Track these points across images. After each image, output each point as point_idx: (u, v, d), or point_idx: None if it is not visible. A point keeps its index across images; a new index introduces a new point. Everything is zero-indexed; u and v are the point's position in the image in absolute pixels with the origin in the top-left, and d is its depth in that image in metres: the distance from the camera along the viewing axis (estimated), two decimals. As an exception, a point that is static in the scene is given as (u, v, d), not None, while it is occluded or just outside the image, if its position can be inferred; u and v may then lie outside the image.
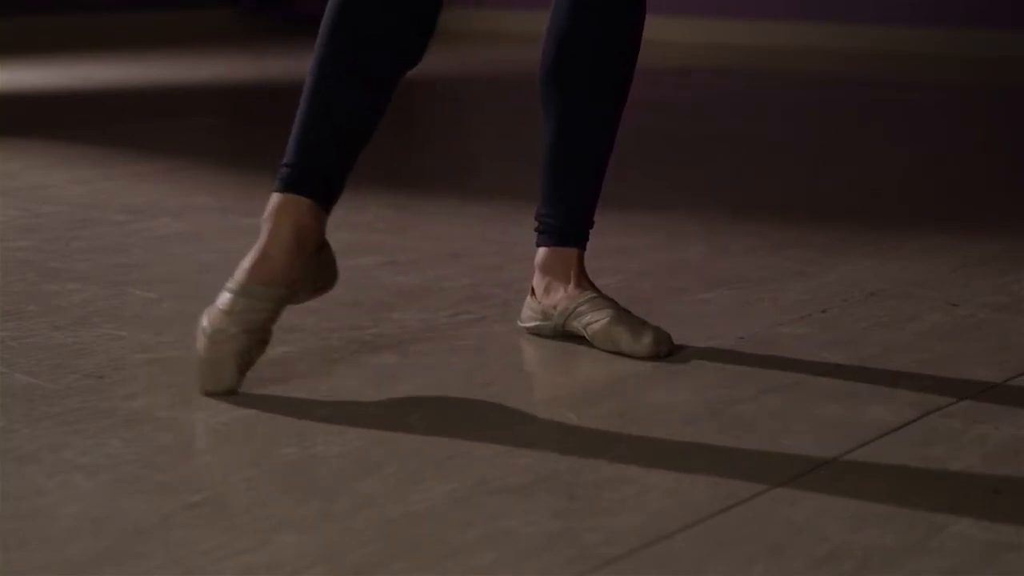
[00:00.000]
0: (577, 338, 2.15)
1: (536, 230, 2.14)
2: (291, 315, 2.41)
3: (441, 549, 1.47)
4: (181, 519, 1.56)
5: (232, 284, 1.69)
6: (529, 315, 2.18)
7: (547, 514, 1.57)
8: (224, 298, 1.70)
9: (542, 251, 2.13)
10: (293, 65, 6.52)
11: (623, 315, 2.07)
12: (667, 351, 2.08)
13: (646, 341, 2.05)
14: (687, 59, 6.76)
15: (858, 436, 1.81)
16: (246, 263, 1.68)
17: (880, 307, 2.44)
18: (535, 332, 2.19)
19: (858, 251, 2.87)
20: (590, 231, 2.15)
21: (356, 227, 3.13)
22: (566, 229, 2.10)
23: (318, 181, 1.67)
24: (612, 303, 2.10)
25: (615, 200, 3.33)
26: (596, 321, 2.07)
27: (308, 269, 1.70)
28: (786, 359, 2.14)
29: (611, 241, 2.92)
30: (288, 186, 1.67)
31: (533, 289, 2.15)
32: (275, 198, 1.68)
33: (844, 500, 1.59)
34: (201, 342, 1.72)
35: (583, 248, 2.14)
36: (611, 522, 1.54)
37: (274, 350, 2.21)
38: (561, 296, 2.10)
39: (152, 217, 3.23)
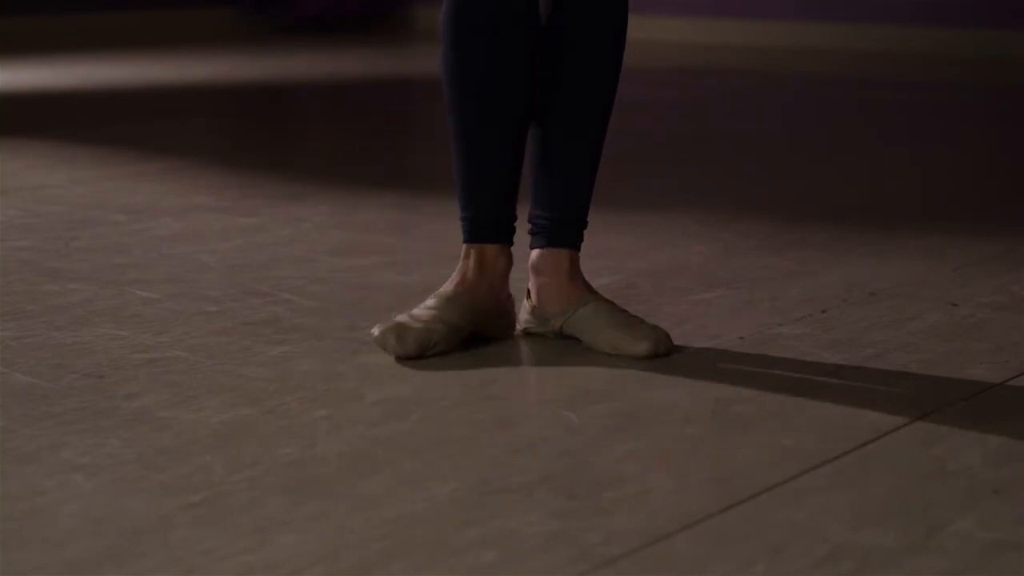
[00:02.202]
0: (576, 338, 2.15)
1: (529, 231, 2.12)
2: (291, 315, 2.41)
3: (441, 549, 1.47)
4: (181, 519, 1.56)
5: (431, 296, 1.90)
6: (526, 319, 2.17)
7: (547, 514, 1.57)
8: (422, 304, 1.89)
9: (536, 253, 2.11)
10: (293, 65, 6.52)
11: (620, 317, 2.06)
12: (666, 351, 2.08)
13: (645, 343, 2.04)
14: (687, 59, 6.76)
15: (858, 436, 1.81)
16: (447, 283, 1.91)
17: (880, 307, 2.44)
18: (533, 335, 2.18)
19: (858, 251, 2.87)
20: (584, 231, 2.14)
21: (356, 227, 3.13)
22: (559, 230, 2.08)
23: (500, 226, 1.83)
24: (608, 305, 2.09)
25: (615, 200, 3.34)
26: (594, 327, 2.07)
27: (499, 305, 1.87)
28: (786, 359, 2.14)
29: (611, 241, 2.93)
30: (475, 237, 1.85)
31: (529, 292, 2.14)
32: (466, 247, 1.88)
33: (844, 500, 1.59)
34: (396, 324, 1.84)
35: (577, 248, 2.13)
36: (611, 522, 1.54)
37: (274, 349, 2.22)
38: (556, 301, 2.09)
39: (152, 217, 3.23)
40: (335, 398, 1.97)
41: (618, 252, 2.84)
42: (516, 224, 1.85)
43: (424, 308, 1.84)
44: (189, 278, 2.66)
